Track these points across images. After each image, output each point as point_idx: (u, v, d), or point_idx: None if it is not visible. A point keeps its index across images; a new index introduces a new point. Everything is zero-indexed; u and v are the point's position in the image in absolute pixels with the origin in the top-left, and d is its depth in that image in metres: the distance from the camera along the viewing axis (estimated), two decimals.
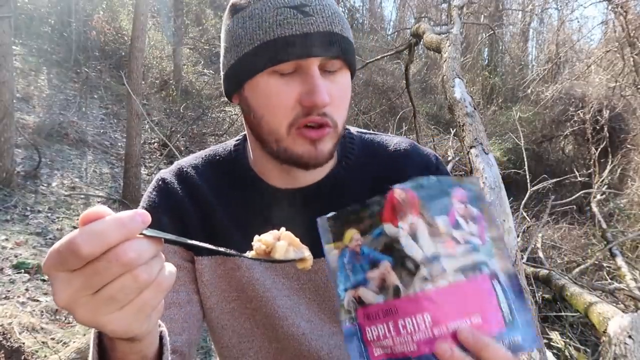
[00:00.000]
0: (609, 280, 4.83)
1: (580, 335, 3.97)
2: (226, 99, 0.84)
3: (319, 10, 0.72)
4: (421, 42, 5.31)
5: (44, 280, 4.01)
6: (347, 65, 0.77)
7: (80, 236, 0.41)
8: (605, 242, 5.68)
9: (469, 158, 2.84)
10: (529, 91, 10.76)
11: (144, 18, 6.90)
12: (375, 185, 0.86)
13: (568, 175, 7.18)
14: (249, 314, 0.87)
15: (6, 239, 4.59)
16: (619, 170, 7.89)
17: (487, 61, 15.02)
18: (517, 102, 12.34)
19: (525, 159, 5.79)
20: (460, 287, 0.46)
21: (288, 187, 0.84)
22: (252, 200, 0.85)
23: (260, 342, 0.89)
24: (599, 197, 6.82)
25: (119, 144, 7.78)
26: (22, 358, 2.84)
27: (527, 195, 5.45)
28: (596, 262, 5.24)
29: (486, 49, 14.91)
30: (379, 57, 7.59)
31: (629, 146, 8.55)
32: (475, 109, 3.15)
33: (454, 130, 6.47)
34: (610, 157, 7.74)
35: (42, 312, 3.57)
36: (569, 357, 3.60)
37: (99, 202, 6.18)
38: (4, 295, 3.71)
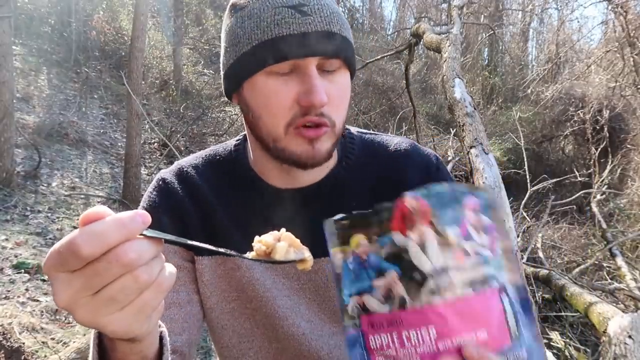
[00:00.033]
0: (609, 280, 4.82)
1: (580, 335, 3.97)
2: (226, 98, 0.84)
3: (317, 10, 0.72)
4: (421, 42, 5.31)
5: (44, 280, 4.01)
6: (347, 65, 0.77)
7: (81, 237, 0.41)
8: (605, 242, 5.68)
9: (469, 158, 2.84)
10: (529, 91, 10.76)
11: (144, 18, 6.90)
12: (375, 185, 0.86)
13: (568, 175, 7.18)
14: (249, 314, 0.87)
15: (6, 239, 4.59)
16: (619, 170, 7.89)
17: (487, 61, 15.02)
18: (517, 102, 12.33)
19: (525, 159, 5.78)
20: (468, 301, 0.45)
21: (288, 187, 0.84)
22: (252, 200, 0.85)
23: (260, 342, 0.89)
24: (599, 197, 6.81)
25: (119, 144, 7.78)
26: (22, 358, 2.84)
27: (527, 195, 5.44)
28: (596, 262, 5.24)
29: (486, 49, 14.91)
30: (379, 57, 7.59)
31: (629, 146, 8.54)
32: (475, 109, 3.15)
33: (454, 130, 6.47)
34: (610, 157, 7.74)
35: (42, 312, 3.57)
36: (569, 357, 3.59)
37: (99, 202, 6.18)
38: (4, 295, 3.71)
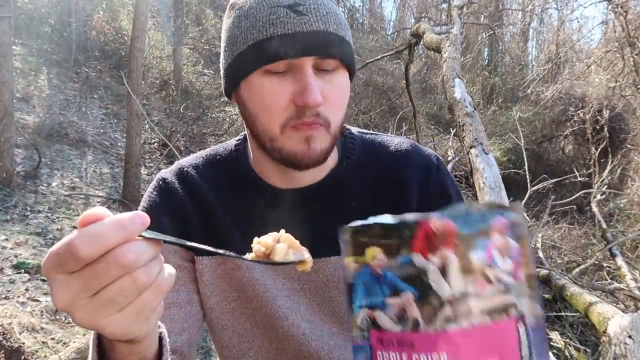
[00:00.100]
0: (609, 280, 4.82)
1: (580, 335, 3.97)
2: (226, 98, 0.84)
3: (313, 10, 0.72)
4: (421, 42, 5.32)
5: (44, 280, 4.01)
6: (344, 64, 0.76)
7: (79, 238, 0.41)
8: (605, 242, 5.68)
9: (469, 158, 2.85)
10: (529, 91, 10.77)
11: (144, 18, 6.90)
12: (376, 185, 0.86)
13: (568, 175, 7.18)
14: (249, 314, 0.87)
15: (6, 239, 4.59)
16: (619, 170, 7.89)
17: (487, 61, 15.02)
18: (517, 102, 12.34)
19: (525, 159, 5.78)
20: (484, 330, 0.43)
21: (288, 187, 0.84)
22: (252, 201, 0.85)
23: (260, 342, 0.89)
24: (599, 197, 6.81)
25: (119, 144, 7.78)
26: (22, 358, 2.84)
27: (527, 195, 5.44)
28: (596, 262, 5.24)
29: (486, 49, 14.91)
30: (379, 57, 7.59)
31: (629, 146, 8.55)
32: (475, 109, 3.15)
33: (454, 130, 6.47)
34: (610, 157, 7.73)
35: (42, 312, 3.57)
36: (569, 357, 3.60)
37: (99, 202, 6.18)
38: (4, 295, 3.71)
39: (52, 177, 6.30)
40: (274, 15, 0.71)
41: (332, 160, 0.85)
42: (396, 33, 14.19)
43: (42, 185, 6.01)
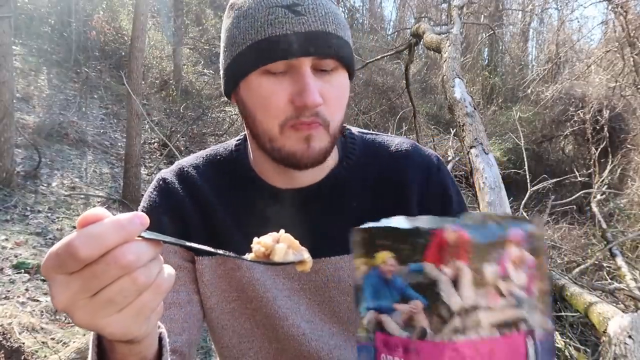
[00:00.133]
0: (609, 280, 4.82)
1: (580, 335, 3.97)
2: (226, 98, 0.84)
3: (311, 10, 0.72)
4: (421, 42, 5.32)
5: (43, 281, 4.01)
6: (344, 65, 0.76)
7: (78, 239, 0.41)
8: (605, 242, 5.67)
9: (469, 158, 2.85)
10: (529, 91, 10.76)
11: (144, 18, 6.90)
12: (376, 185, 0.86)
13: (568, 175, 7.18)
14: (249, 314, 0.87)
15: (6, 239, 4.59)
16: (619, 170, 7.88)
17: (487, 61, 15.02)
18: (517, 102, 12.33)
19: (525, 159, 5.78)
20: (492, 343, 0.43)
21: (288, 187, 0.84)
22: (252, 201, 0.85)
23: (260, 343, 0.89)
24: (599, 197, 6.81)
25: (119, 144, 7.78)
26: (22, 358, 2.84)
27: (527, 195, 5.44)
28: (596, 262, 5.24)
29: (486, 49, 14.91)
30: (379, 57, 7.59)
31: (629, 146, 8.54)
32: (475, 109, 3.16)
33: (454, 130, 6.47)
34: (610, 157, 7.73)
35: (42, 312, 3.57)
36: (569, 357, 3.59)
37: (98, 202, 6.18)
38: (4, 295, 3.71)
39: (52, 177, 6.30)
40: (272, 16, 0.71)
41: (332, 160, 0.85)
42: (396, 33, 14.19)
43: (42, 185, 6.01)
